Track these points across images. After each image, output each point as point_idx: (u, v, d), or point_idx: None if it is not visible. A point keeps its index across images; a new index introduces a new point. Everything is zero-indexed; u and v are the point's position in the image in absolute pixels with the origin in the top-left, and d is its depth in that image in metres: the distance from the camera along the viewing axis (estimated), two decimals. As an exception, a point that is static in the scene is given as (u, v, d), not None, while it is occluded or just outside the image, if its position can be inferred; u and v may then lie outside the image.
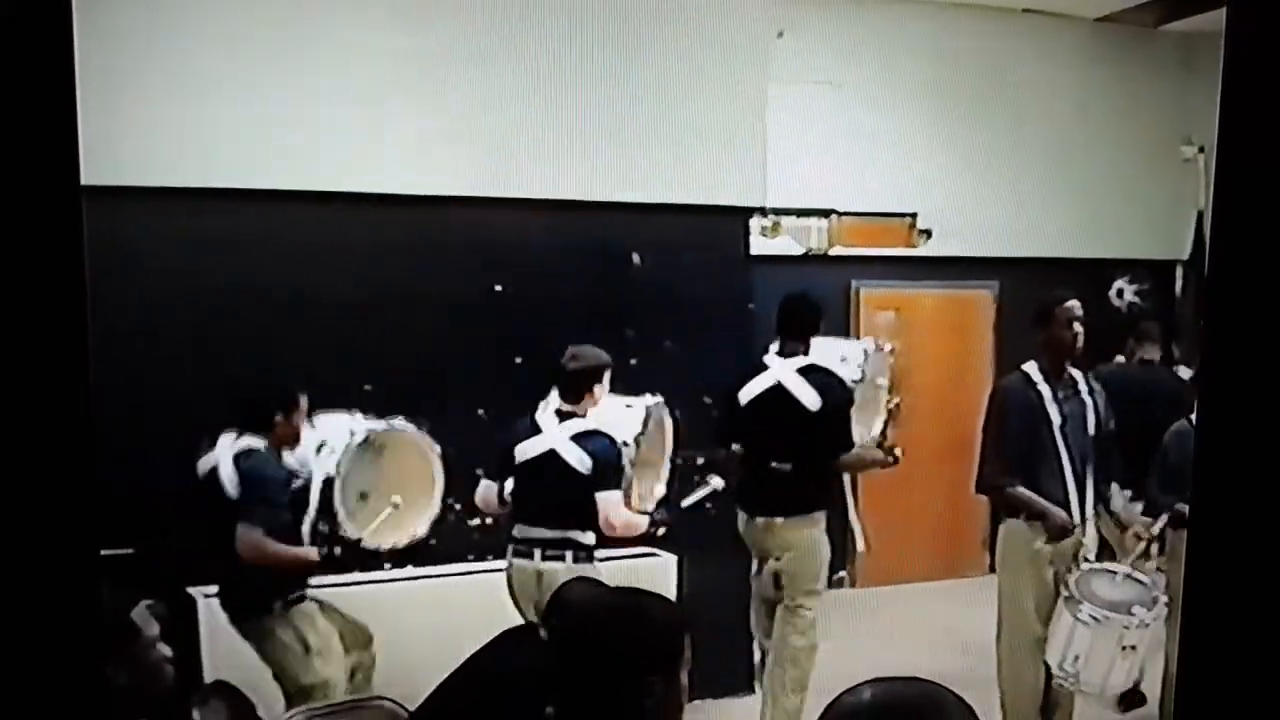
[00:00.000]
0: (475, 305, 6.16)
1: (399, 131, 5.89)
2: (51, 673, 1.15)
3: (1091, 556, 5.31)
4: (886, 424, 6.00)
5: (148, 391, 5.33)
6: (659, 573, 5.98)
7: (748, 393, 5.67)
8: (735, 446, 5.72)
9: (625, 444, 5.11)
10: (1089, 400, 5.46)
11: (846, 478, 5.94)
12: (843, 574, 8.95)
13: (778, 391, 5.60)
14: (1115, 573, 5.22)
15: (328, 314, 5.80)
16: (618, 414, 5.24)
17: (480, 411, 5.92)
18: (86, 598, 1.17)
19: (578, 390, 5.14)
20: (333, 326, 5.77)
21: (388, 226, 5.99)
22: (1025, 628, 5.38)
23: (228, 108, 5.58)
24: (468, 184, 6.03)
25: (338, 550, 4.90)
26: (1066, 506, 5.32)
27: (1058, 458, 5.33)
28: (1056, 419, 5.34)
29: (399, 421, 5.15)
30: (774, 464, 5.60)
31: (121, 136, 5.20)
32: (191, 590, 5.33)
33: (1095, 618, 5.02)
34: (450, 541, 5.81)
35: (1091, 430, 5.42)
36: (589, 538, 5.07)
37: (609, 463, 5.02)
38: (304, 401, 4.97)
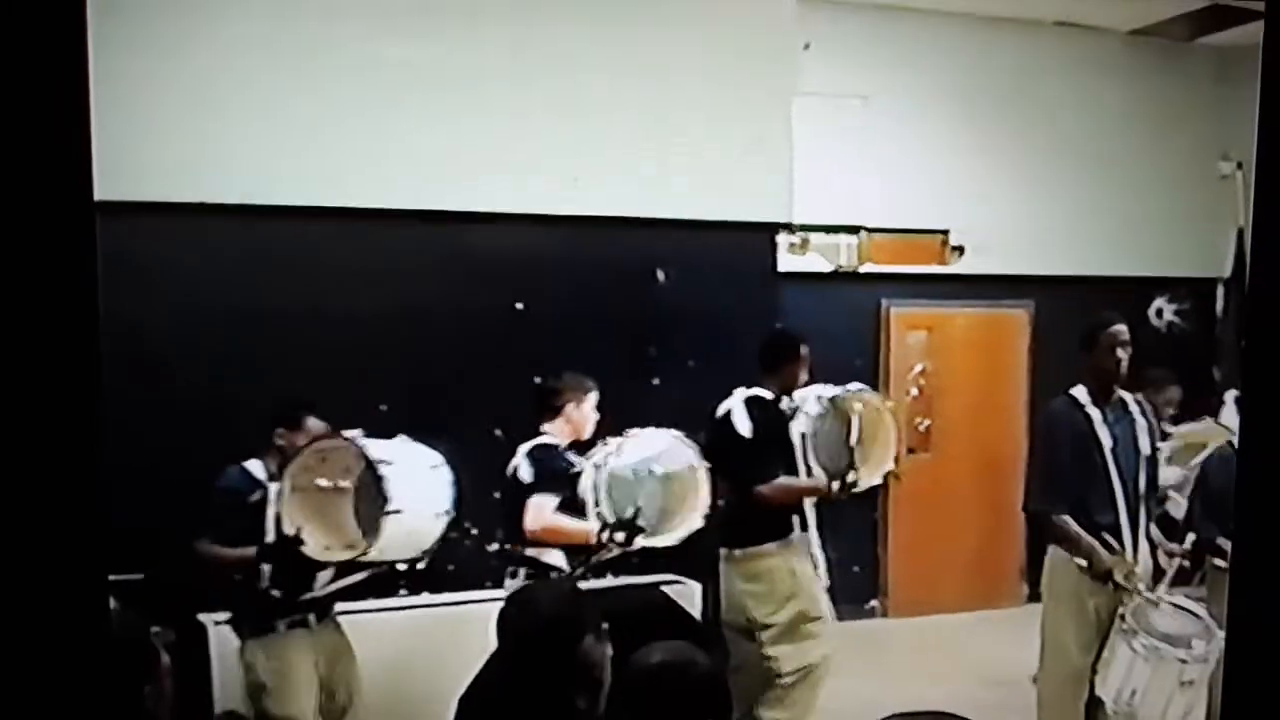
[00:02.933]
0: (495, 323, 6.18)
1: (418, 146, 5.93)
2: (59, 699, 1.16)
3: (1144, 586, 5.27)
4: (856, 461, 5.89)
5: (158, 411, 5.35)
6: (684, 599, 5.96)
7: (712, 423, 5.73)
8: None
9: (594, 465, 5.05)
10: (1140, 421, 5.44)
11: (809, 506, 5.85)
12: (874, 604, 8.92)
13: (726, 419, 5.65)
14: (1171, 603, 5.18)
15: (343, 332, 5.84)
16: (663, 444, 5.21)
17: (498, 432, 5.93)
18: (95, 624, 1.17)
19: (551, 409, 5.22)
20: (348, 345, 5.80)
21: (406, 243, 6.03)
22: (1068, 660, 5.34)
23: (243, 121, 5.64)
24: (488, 199, 6.05)
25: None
26: (1118, 532, 5.29)
27: (1108, 482, 5.30)
28: (1108, 442, 5.32)
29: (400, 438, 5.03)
30: (733, 493, 5.60)
31: (135, 150, 5.26)
32: (202, 617, 5.33)
33: (1155, 651, 4.98)
34: (468, 566, 5.82)
35: (1145, 451, 5.40)
36: (546, 555, 5.07)
37: (549, 469, 5.06)
38: (309, 422, 4.92)
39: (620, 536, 4.92)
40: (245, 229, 5.71)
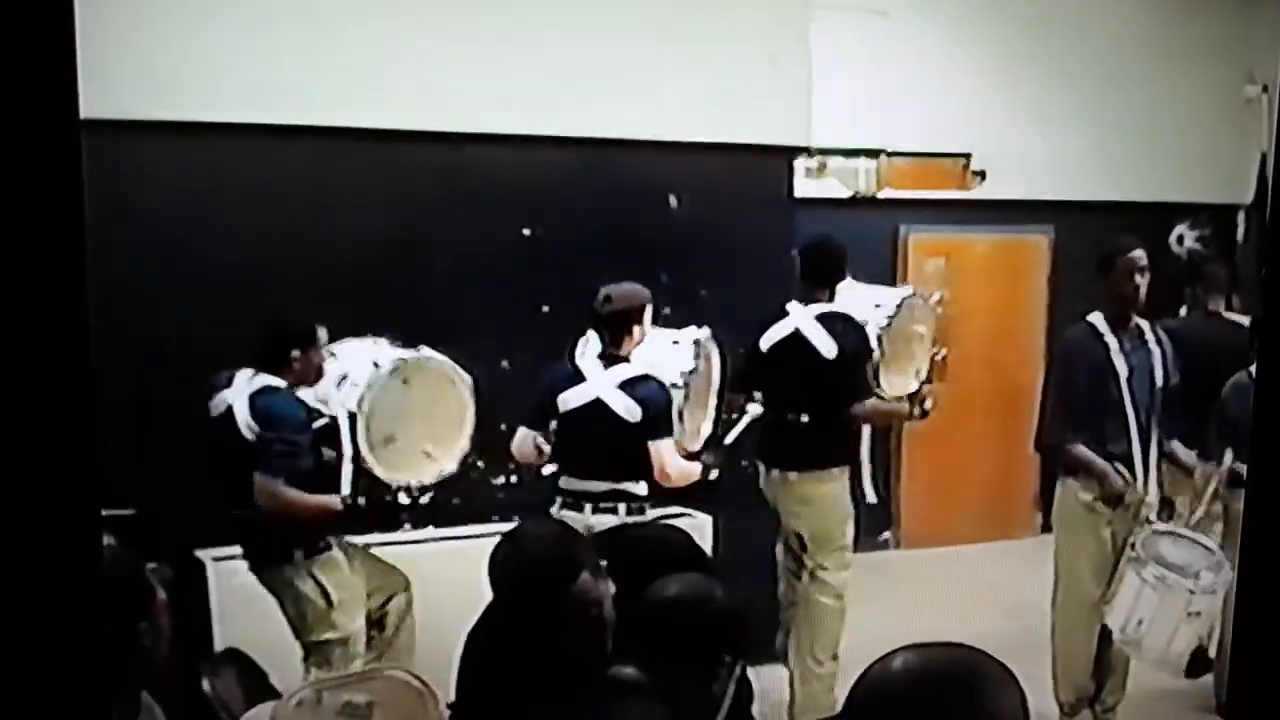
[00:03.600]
0: (502, 250, 6.14)
1: (420, 64, 5.84)
2: (50, 640, 1.15)
3: (1154, 517, 5.29)
4: (929, 375, 5.96)
5: (154, 338, 5.33)
6: (695, 533, 5.97)
7: (767, 339, 5.69)
8: (756, 396, 5.71)
9: (675, 386, 5.08)
10: (1156, 351, 5.43)
11: (866, 432, 5.89)
12: (886, 535, 8.96)
13: (795, 339, 5.59)
14: (1180, 535, 5.20)
15: (345, 259, 5.78)
16: (665, 352, 5.20)
17: (505, 363, 5.92)
18: (87, 561, 1.16)
19: (617, 333, 5.08)
20: (351, 273, 5.75)
21: (410, 166, 5.97)
22: (1081, 590, 5.40)
23: (243, 37, 5.54)
24: (495, 121, 5.99)
25: (362, 500, 4.82)
26: (1130, 462, 5.31)
27: (1123, 412, 5.31)
28: (1124, 371, 5.32)
29: (426, 350, 5.06)
30: (790, 415, 5.59)
31: (135, 67, 5.19)
32: (200, 553, 5.31)
33: (1162, 580, 5.02)
34: (474, 500, 5.83)
35: (1159, 382, 5.39)
36: (641, 488, 5.04)
37: (659, 409, 4.97)
38: (323, 335, 4.89)
39: None
40: (245, 149, 5.64)
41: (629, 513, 5.00)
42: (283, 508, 4.69)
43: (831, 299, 5.68)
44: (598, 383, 5.05)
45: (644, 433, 4.95)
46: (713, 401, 5.44)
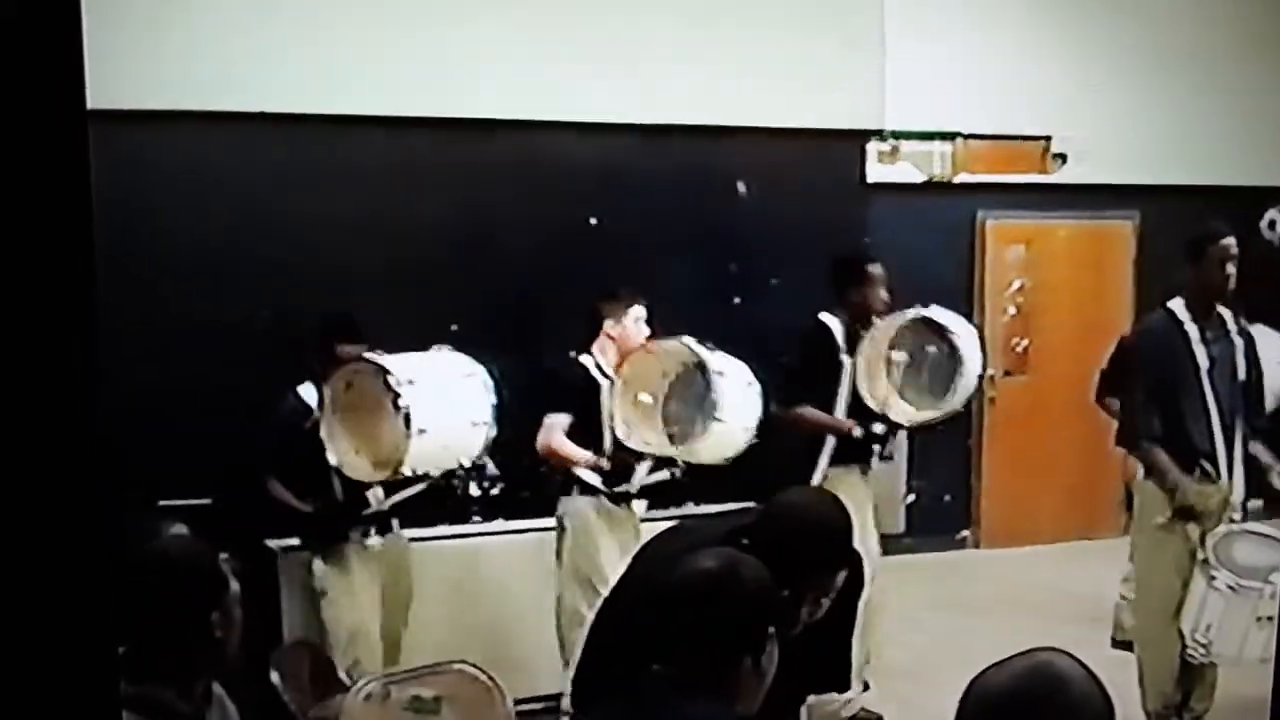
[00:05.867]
0: (569, 239, 6.20)
1: (489, 53, 5.92)
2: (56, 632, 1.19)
3: (1238, 516, 5.22)
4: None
5: (219, 334, 5.47)
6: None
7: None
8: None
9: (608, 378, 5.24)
10: (1239, 342, 5.35)
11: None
12: (965, 534, 8.93)
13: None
14: (1263, 534, 5.14)
15: (414, 249, 5.89)
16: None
17: (573, 353, 5.97)
18: (94, 553, 1.19)
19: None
20: (419, 262, 5.85)
21: (476, 154, 6.05)
22: (1164, 593, 5.30)
23: (307, 27, 5.65)
24: (562, 108, 6.05)
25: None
26: (1214, 459, 5.25)
27: (1204, 406, 5.24)
28: (1205, 363, 5.23)
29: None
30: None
31: (196, 59, 5.32)
32: (271, 543, 5.43)
33: (1231, 586, 4.95)
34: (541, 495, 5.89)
35: (1241, 375, 5.32)
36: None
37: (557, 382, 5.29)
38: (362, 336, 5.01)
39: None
40: (308, 138, 5.76)
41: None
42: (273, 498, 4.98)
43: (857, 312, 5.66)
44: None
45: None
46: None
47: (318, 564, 5.05)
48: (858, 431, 5.53)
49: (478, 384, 4.94)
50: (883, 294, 5.62)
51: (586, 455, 5.23)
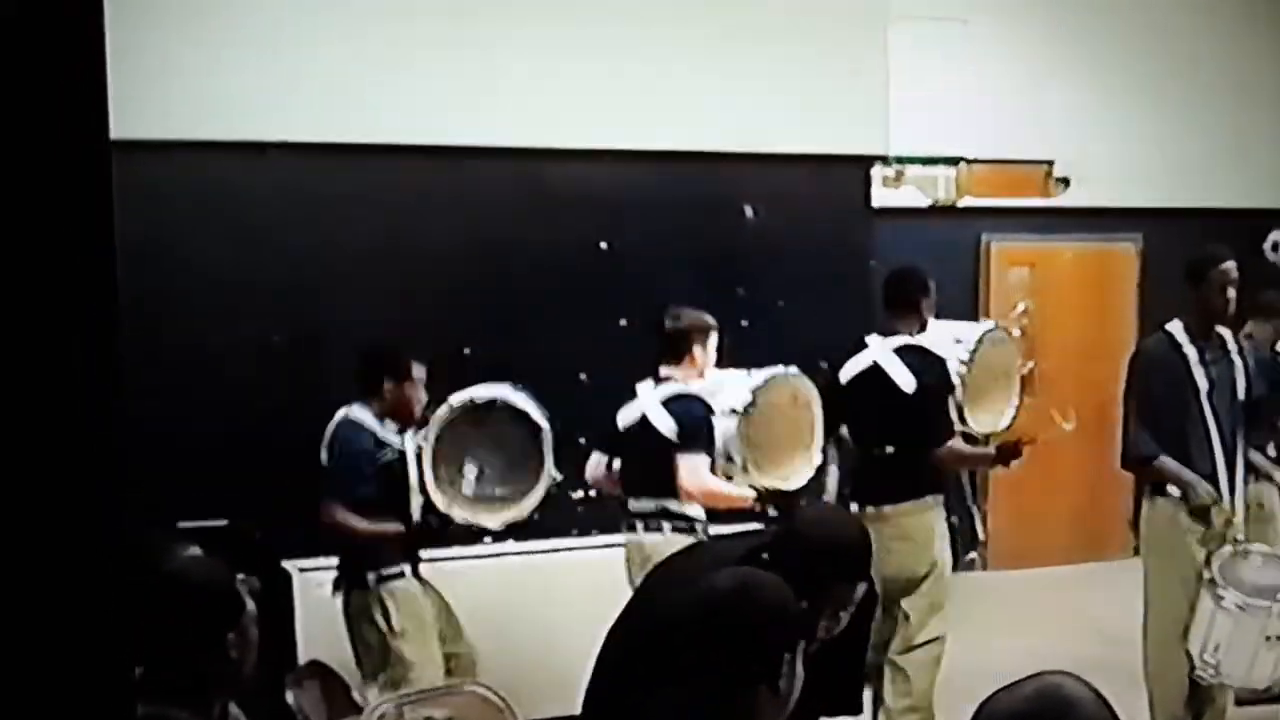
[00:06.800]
0: (578, 264, 6.22)
1: (501, 81, 5.95)
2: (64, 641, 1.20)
3: (1242, 536, 5.20)
4: (1017, 412, 5.82)
5: (236, 357, 5.49)
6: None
7: (846, 373, 5.53)
8: (842, 431, 5.63)
9: (730, 411, 5.09)
10: (1238, 362, 5.35)
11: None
12: (973, 556, 8.90)
13: (874, 372, 5.43)
14: (1270, 554, 5.12)
15: (425, 272, 5.91)
16: (730, 385, 5.21)
17: (583, 376, 5.99)
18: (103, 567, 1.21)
19: (676, 352, 5.16)
20: (429, 286, 5.88)
21: (487, 180, 6.08)
22: (1173, 614, 5.25)
23: (320, 56, 5.69)
24: (571, 135, 6.08)
25: (433, 521, 4.92)
26: (1214, 480, 5.23)
27: (1205, 427, 5.23)
28: (1204, 384, 5.23)
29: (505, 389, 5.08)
30: (875, 450, 5.49)
31: (211, 88, 5.35)
32: (287, 564, 5.46)
33: (1239, 605, 4.92)
34: (552, 516, 5.88)
35: (1241, 396, 5.32)
36: (691, 509, 5.08)
37: (695, 425, 5.03)
38: (419, 370, 5.02)
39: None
40: (323, 166, 5.80)
41: (675, 531, 5.03)
42: (341, 531, 4.90)
43: (922, 328, 5.53)
44: (645, 400, 5.14)
45: (678, 448, 5.02)
46: (810, 449, 5.34)
47: (385, 598, 4.94)
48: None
49: (547, 439, 4.93)
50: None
51: (747, 494, 5.08)
